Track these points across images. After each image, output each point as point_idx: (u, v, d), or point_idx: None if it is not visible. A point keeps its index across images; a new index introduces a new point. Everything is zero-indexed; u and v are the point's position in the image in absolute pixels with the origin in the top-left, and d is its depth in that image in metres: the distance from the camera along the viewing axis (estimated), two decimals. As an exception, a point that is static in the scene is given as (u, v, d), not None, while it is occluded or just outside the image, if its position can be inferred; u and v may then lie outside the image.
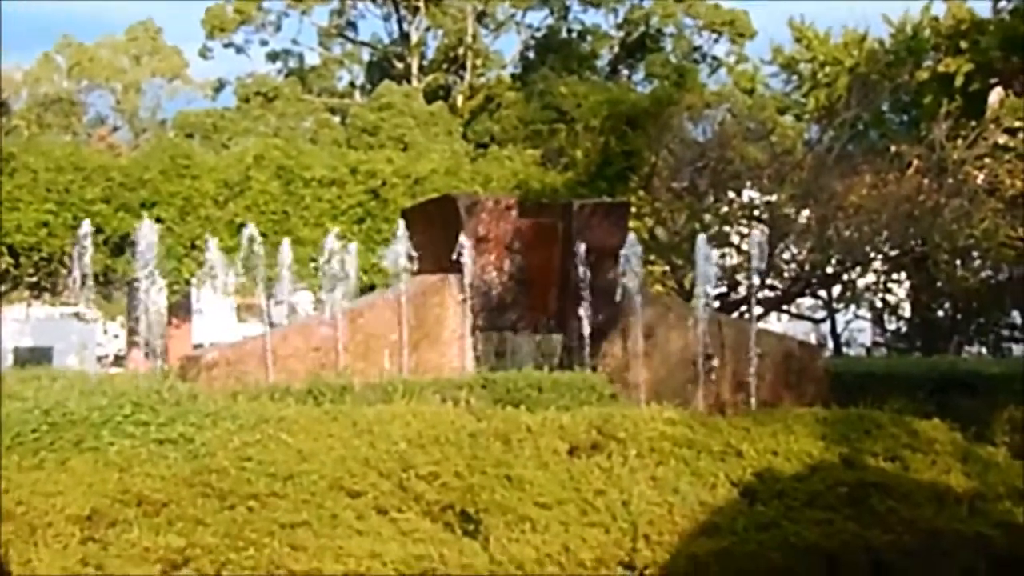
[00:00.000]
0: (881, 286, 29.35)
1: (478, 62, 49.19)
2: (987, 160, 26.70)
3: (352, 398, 11.47)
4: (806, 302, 31.25)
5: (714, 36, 49.33)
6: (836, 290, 29.51)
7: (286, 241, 14.55)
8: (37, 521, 8.04)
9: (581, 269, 13.80)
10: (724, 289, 25.18)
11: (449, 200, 14.83)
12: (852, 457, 10.01)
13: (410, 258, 13.71)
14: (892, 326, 32.37)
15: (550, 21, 49.92)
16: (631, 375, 13.76)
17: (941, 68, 29.89)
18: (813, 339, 30.92)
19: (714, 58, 50.23)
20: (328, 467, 9.00)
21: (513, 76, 49.06)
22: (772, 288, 26.72)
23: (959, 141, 26.55)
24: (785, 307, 29.79)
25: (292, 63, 51.87)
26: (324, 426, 9.88)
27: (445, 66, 49.46)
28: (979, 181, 26.33)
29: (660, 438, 9.86)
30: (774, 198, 26.39)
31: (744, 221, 26.41)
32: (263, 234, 19.07)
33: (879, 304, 30.65)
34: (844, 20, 44.60)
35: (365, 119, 42.35)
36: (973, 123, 27.14)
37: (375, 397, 11.45)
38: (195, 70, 55.84)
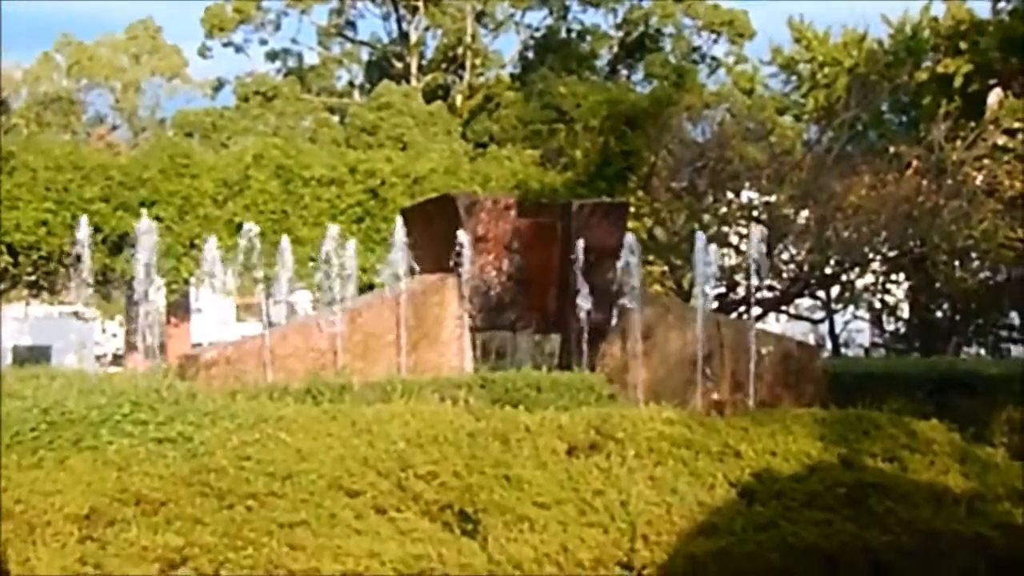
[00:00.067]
0: (880, 287, 29.36)
1: (477, 62, 49.18)
2: (986, 161, 26.71)
3: (351, 397, 11.48)
4: (805, 303, 31.26)
5: (713, 36, 49.33)
6: (835, 291, 29.52)
7: (285, 240, 14.53)
8: (36, 520, 8.05)
9: (580, 269, 13.80)
10: (723, 289, 25.17)
11: (448, 200, 14.83)
12: (850, 458, 10.02)
13: (412, 271, 13.72)
14: (891, 327, 32.37)
15: (549, 21, 49.93)
16: (630, 375, 13.77)
17: (940, 69, 29.89)
18: (812, 340, 30.91)
19: (713, 58, 50.24)
20: (327, 466, 9.00)
21: (512, 76, 49.04)
22: (771, 288, 26.72)
23: (958, 142, 26.56)
24: (784, 308, 29.79)
25: (291, 62, 51.88)
26: (323, 425, 9.88)
27: (444, 66, 49.45)
28: (978, 182, 26.33)
29: (658, 438, 9.87)
30: (773, 198, 26.40)
31: (743, 221, 26.40)
32: (262, 233, 19.11)
33: (878, 305, 30.66)
34: (843, 20, 44.65)
35: (364, 118, 42.33)
36: (972, 124, 27.15)
37: (374, 396, 11.46)
38: (194, 69, 55.87)
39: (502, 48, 52.74)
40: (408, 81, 47.55)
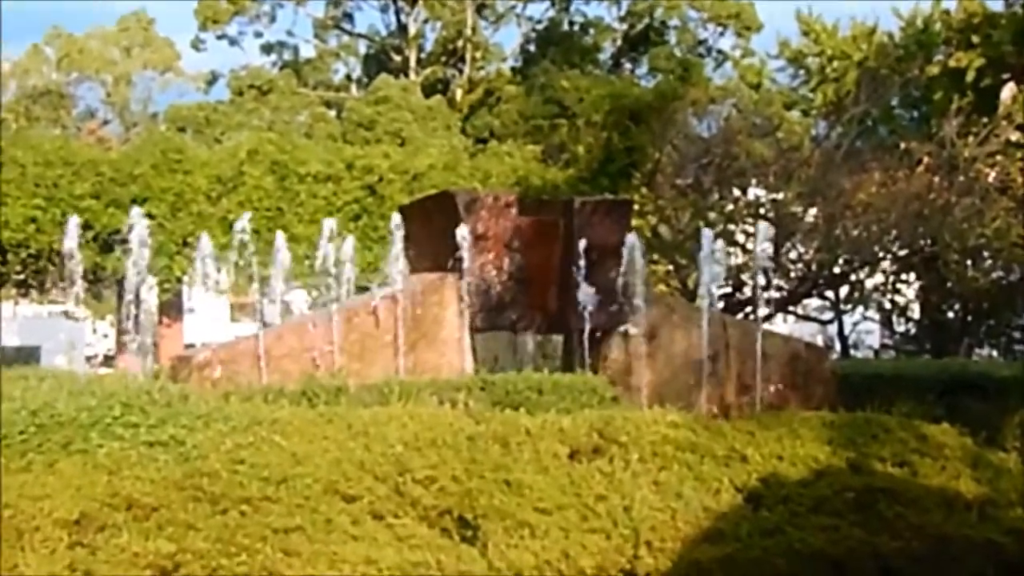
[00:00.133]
0: (890, 287, 29.34)
1: (477, 55, 49.17)
2: (999, 157, 26.69)
3: (347, 400, 11.48)
4: (813, 303, 31.23)
5: (719, 29, 49.33)
6: (844, 291, 29.49)
7: (280, 237, 14.53)
8: (24, 525, 8.05)
9: (582, 268, 13.80)
10: (729, 289, 25.17)
11: (447, 197, 14.84)
12: (859, 462, 10.03)
13: (410, 269, 13.73)
14: (901, 328, 32.36)
15: (551, 13, 49.92)
16: (633, 377, 13.77)
17: (952, 63, 29.89)
18: (820, 341, 30.90)
19: (719, 52, 50.22)
20: (323, 470, 9.01)
21: (513, 70, 49.04)
22: (778, 288, 26.71)
23: (970, 138, 26.55)
24: (791, 308, 29.78)
25: (287, 55, 51.88)
26: (319, 428, 9.89)
27: (444, 59, 49.45)
28: (991, 179, 26.31)
29: (663, 442, 9.87)
30: (780, 196, 26.39)
31: (749, 219, 26.39)
32: (256, 231, 19.10)
33: (888, 305, 30.64)
34: (853, 13, 44.62)
35: (361, 113, 42.34)
36: (985, 119, 27.13)
37: (371, 399, 11.46)
38: (187, 62, 55.90)
39: (503, 41, 52.85)
40: (406, 75, 47.55)
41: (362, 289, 15.31)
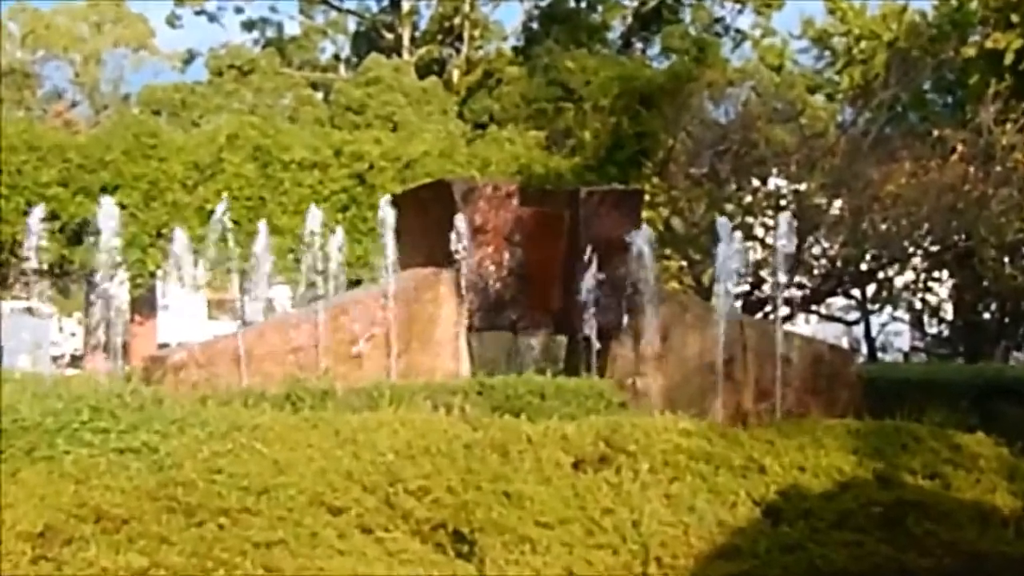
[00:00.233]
0: (921, 285, 29.39)
1: (476, 33, 49.17)
2: (1039, 146, 26.71)
3: (334, 404, 11.50)
4: (837, 302, 31.28)
5: (738, 6, 49.31)
6: (871, 289, 29.54)
7: (262, 229, 14.54)
8: (-16, 538, 8.05)
9: (588, 264, 13.81)
10: (747, 287, 25.19)
11: (443, 186, 14.85)
12: (887, 473, 10.03)
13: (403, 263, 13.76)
14: (933, 329, 32.42)
15: (556, -12, 49.90)
16: (643, 381, 13.78)
17: (989, 44, 29.87)
18: (845, 343, 30.93)
19: (738, 31, 50.21)
20: (307, 480, 9.01)
21: (515, 49, 49.02)
22: (800, 286, 26.72)
23: (1008, 125, 26.57)
24: (814, 307, 29.80)
25: (270, 33, 51.87)
26: (303, 435, 9.89)
27: (440, 37, 49.43)
28: (1030, 169, 26.34)
29: (674, 451, 9.88)
30: (803, 186, 26.41)
31: (770, 212, 26.40)
32: (236, 222, 19.12)
33: (918, 305, 30.69)
34: (882, -11, 44.52)
35: (350, 96, 42.34)
36: (1024, 105, 27.16)
37: (360, 403, 11.48)
38: (162, 40, 56.00)
39: (503, 18, 52.88)
40: (399, 54, 47.54)
41: (351, 285, 15.33)
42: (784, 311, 24.92)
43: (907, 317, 32.69)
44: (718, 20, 49.93)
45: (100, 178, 23.18)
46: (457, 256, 13.72)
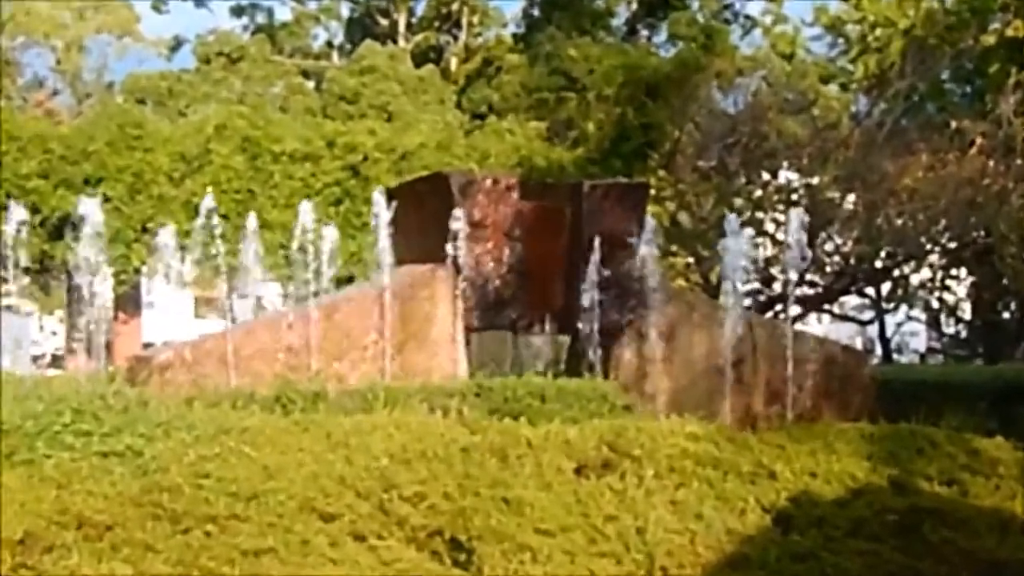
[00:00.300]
0: (938, 283, 29.42)
1: (475, 19, 49.16)
2: (1062, 138, 26.71)
3: (326, 406, 11.50)
4: (851, 301, 31.30)
5: (748, -8, 49.27)
6: (886, 287, 29.56)
7: (252, 224, 14.54)
8: (-38, 545, 8.06)
9: (592, 260, 13.81)
10: (757, 285, 25.21)
11: (440, 179, 14.84)
12: (902, 480, 10.04)
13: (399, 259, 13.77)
14: (950, 329, 32.43)
15: (558, -27, 49.89)
16: (648, 383, 13.79)
17: (1010, 32, 29.80)
18: (859, 343, 30.95)
19: (747, 17, 50.16)
20: (298, 486, 9.01)
21: (515, 36, 48.98)
22: (812, 284, 26.74)
23: (1029, 116, 26.56)
24: (827, 306, 29.82)
25: (260, 19, 51.84)
26: (294, 438, 9.89)
27: (437, 24, 49.42)
28: (1053, 163, 26.34)
29: (681, 456, 9.88)
30: (815, 180, 26.43)
31: (780, 206, 26.42)
32: (225, 216, 19.13)
33: (935, 304, 30.71)
34: (898, -25, 44.49)
35: (344, 84, 42.33)
36: (1047, 96, 27.14)
37: (353, 405, 11.48)
38: (148, 26, 55.88)
39: (503, 4, 52.79)
40: (395, 41, 47.54)
41: (344, 282, 15.33)
42: (795, 310, 25.03)
43: (923, 317, 32.72)
44: (727, 6, 49.89)
45: (83, 170, 23.18)
46: (454, 252, 13.72)
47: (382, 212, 13.97)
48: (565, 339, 14.75)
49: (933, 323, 33.27)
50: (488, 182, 14.47)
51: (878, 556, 8.90)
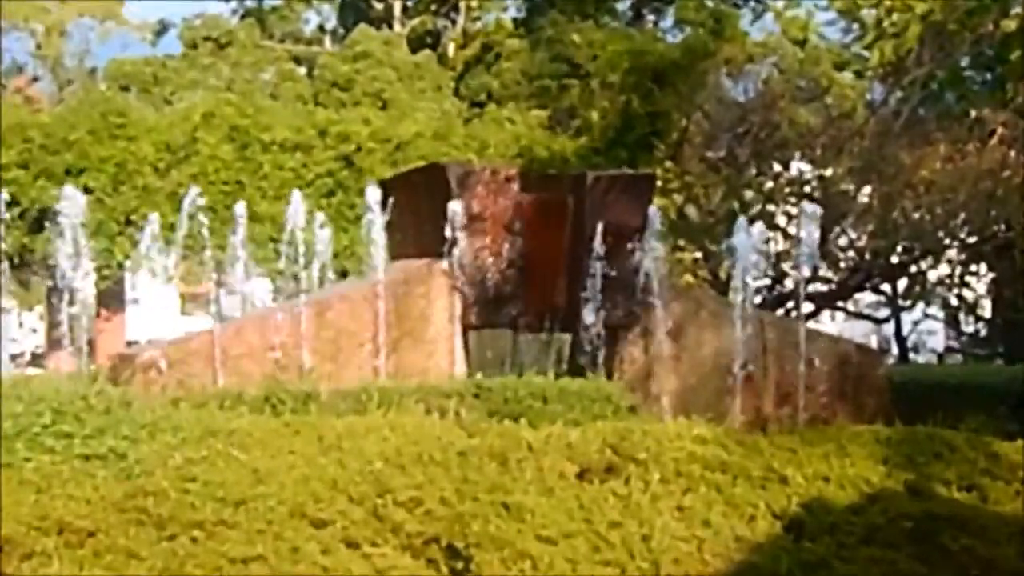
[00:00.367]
0: (957, 279, 29.40)
1: (473, 3, 49.15)
2: (1087, 128, 26.71)
3: (318, 407, 11.51)
4: (866, 298, 31.29)
5: (759, -25, 49.26)
6: (902, 284, 29.55)
7: (241, 216, 14.53)
8: (-63, 551, 8.06)
9: (595, 255, 13.81)
10: (768, 281, 25.21)
11: (437, 170, 14.85)
12: (919, 485, 10.03)
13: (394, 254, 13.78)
14: (969, 328, 32.42)
15: (561, -46, 49.85)
16: (654, 383, 13.79)
17: (1032, 17, 29.85)
18: (874, 342, 30.96)
19: (758, 1, 50.14)
20: (288, 490, 9.02)
21: (516, 21, 48.96)
22: (825, 281, 26.74)
23: (1053, 105, 26.56)
24: (841, 303, 29.82)
25: (249, 2, 51.81)
26: (284, 441, 9.90)
27: (434, 8, 49.41)
28: (1077, 154, 26.34)
29: (688, 460, 9.88)
30: (829, 172, 26.42)
31: (792, 199, 26.42)
32: (212, 208, 19.12)
33: (954, 301, 30.70)
34: (916, -43, 44.47)
35: (337, 71, 42.31)
36: (1070, 84, 27.14)
37: (345, 406, 11.49)
38: (132, 10, 55.86)
39: (504, -13, 52.61)
40: (390, 26, 47.52)
41: (337, 277, 15.34)
42: (808, 308, 25.04)
43: (941, 314, 32.70)
44: (737, -11, 49.87)
45: (64, 160, 23.20)
46: (452, 247, 13.72)
47: (376, 205, 13.98)
48: (567, 337, 14.74)
49: (951, 321, 33.24)
50: (487, 173, 14.48)
51: (893, 565, 8.90)
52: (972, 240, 26.93)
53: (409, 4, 49.62)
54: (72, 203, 13.96)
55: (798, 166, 27.47)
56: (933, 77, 30.55)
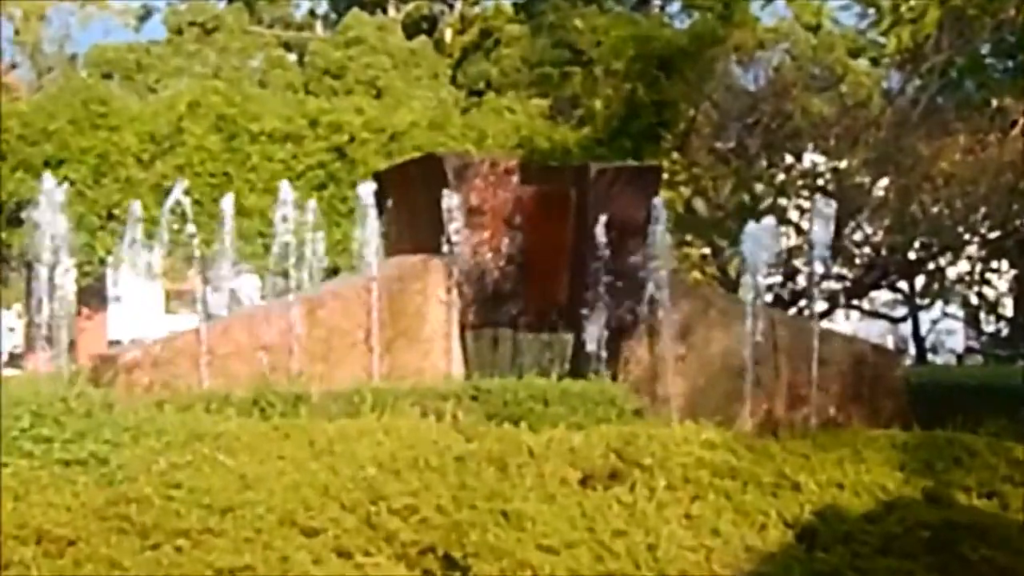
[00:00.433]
0: (977, 277, 29.41)
1: (472, -13, 49.13)
2: (1113, 118, 26.72)
3: (308, 410, 11.50)
4: (882, 296, 31.29)
5: (770, -43, 49.24)
6: (920, 281, 29.55)
7: (228, 210, 14.53)
8: (-90, 561, 8.06)
9: (599, 250, 13.81)
10: (779, 279, 25.22)
11: (434, 161, 14.84)
12: (937, 492, 10.04)
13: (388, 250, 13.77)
14: (990, 327, 32.43)
15: (563, -64, 49.82)
16: (660, 385, 13.79)
17: (1057, 2, 29.85)
18: (890, 342, 30.96)
19: (770, -15, 50.15)
20: (277, 497, 9.02)
21: (516, 5, 48.92)
22: (840, 278, 26.74)
23: (1078, 94, 26.57)
24: (856, 302, 29.83)
25: (237, -15, 51.76)
26: (273, 445, 9.90)
27: (430, -9, 49.40)
28: (1102, 145, 26.35)
29: (696, 465, 9.89)
30: (843, 164, 26.42)
31: (805, 192, 26.42)
32: (199, 202, 19.13)
33: (974, 299, 30.71)
34: (935, -61, 44.47)
35: (328, 58, 42.31)
36: (1096, 71, 27.15)
37: (337, 409, 11.48)
38: (114, -7, 55.77)
39: (503, -30, 52.61)
40: (384, 11, 47.52)
41: (329, 274, 15.34)
42: (821, 306, 25.02)
43: (961, 313, 32.71)
44: (747, -27, 49.86)
45: (43, 151, 23.18)
46: (449, 242, 13.71)
47: (370, 198, 13.97)
48: (569, 337, 14.74)
49: (971, 320, 33.27)
50: (486, 165, 14.47)
51: (911, 575, 8.91)
52: (993, 235, 26.95)
53: (405, -12, 49.62)
54: (51, 196, 13.96)
55: (811, 158, 27.48)
56: (952, 64, 30.53)
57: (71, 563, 8.30)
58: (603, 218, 13.92)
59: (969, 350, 35.99)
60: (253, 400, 11.70)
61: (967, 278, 29.50)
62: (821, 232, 16.67)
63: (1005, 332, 32.04)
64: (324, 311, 13.50)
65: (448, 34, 47.80)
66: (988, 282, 30.01)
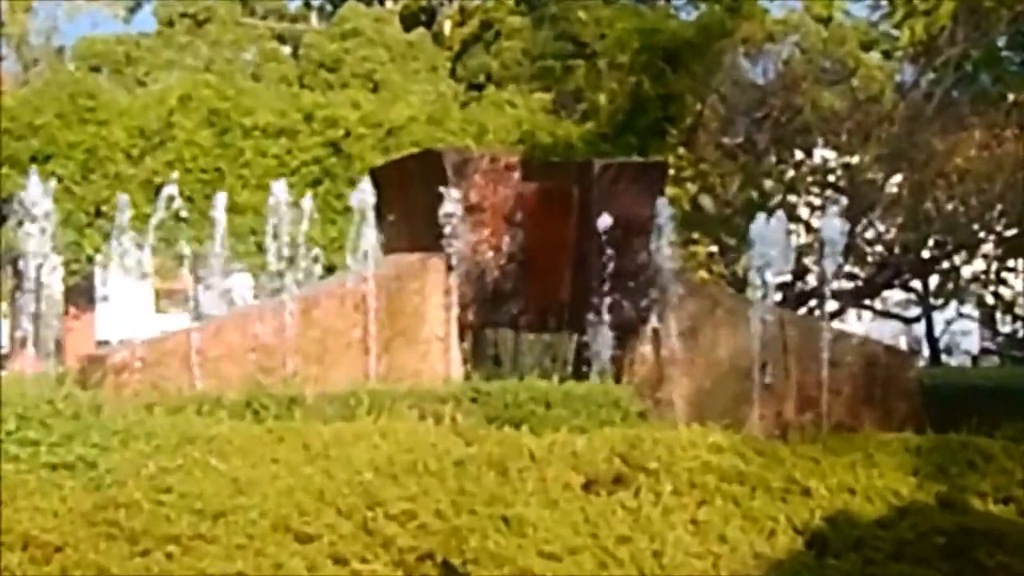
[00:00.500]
0: (993, 276, 29.40)
1: (472, -22, 49.13)
2: None
3: (303, 413, 11.50)
4: (895, 295, 31.29)
5: (780, -53, 49.27)
6: (934, 280, 29.55)
7: (220, 206, 14.55)
8: None
9: (603, 248, 13.81)
10: (789, 277, 25.21)
11: (433, 157, 14.84)
12: (952, 497, 10.04)
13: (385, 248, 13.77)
14: (1006, 328, 32.43)
15: (565, -75, 49.81)
16: (666, 387, 13.79)
17: (1075, -8, 29.85)
18: (903, 343, 30.96)
19: (779, -24, 50.14)
20: (271, 502, 9.02)
21: (517, -4, 49.00)
22: (851, 277, 26.74)
23: (1097, 88, 26.57)
24: (868, 301, 29.83)
25: (229, -24, 51.75)
26: (267, 448, 9.90)
27: (429, -18, 49.40)
28: (1122, 140, 26.36)
29: (703, 470, 9.89)
30: (855, 159, 26.42)
31: (816, 189, 26.42)
32: (190, 198, 19.14)
33: (990, 299, 30.70)
34: (949, -72, 44.48)
35: (324, 50, 42.31)
36: (1115, 64, 27.14)
37: (333, 411, 11.49)
38: (103, -16, 55.77)
39: (504, -40, 52.59)
40: (381, 2, 47.52)
41: (325, 273, 15.33)
42: (832, 306, 25.02)
43: (976, 313, 32.71)
44: (756, -36, 49.85)
45: (29, 146, 23.18)
46: (448, 240, 13.72)
47: (366, 194, 13.97)
48: (572, 338, 14.75)
49: (987, 321, 33.28)
50: (486, 161, 14.48)
51: (925, 583, 8.93)
52: (1009, 233, 26.95)
53: (402, -22, 49.60)
54: (38, 192, 13.97)
55: (822, 153, 27.48)
56: (967, 57, 30.54)
57: (58, 570, 8.30)
58: (607, 216, 13.93)
59: (984, 351, 36.01)
60: (246, 402, 11.70)
61: (982, 277, 29.47)
62: (832, 230, 16.71)
63: (1022, 333, 32.03)
64: (319, 311, 13.50)
65: (447, 26, 47.78)
66: (1004, 281, 29.97)
